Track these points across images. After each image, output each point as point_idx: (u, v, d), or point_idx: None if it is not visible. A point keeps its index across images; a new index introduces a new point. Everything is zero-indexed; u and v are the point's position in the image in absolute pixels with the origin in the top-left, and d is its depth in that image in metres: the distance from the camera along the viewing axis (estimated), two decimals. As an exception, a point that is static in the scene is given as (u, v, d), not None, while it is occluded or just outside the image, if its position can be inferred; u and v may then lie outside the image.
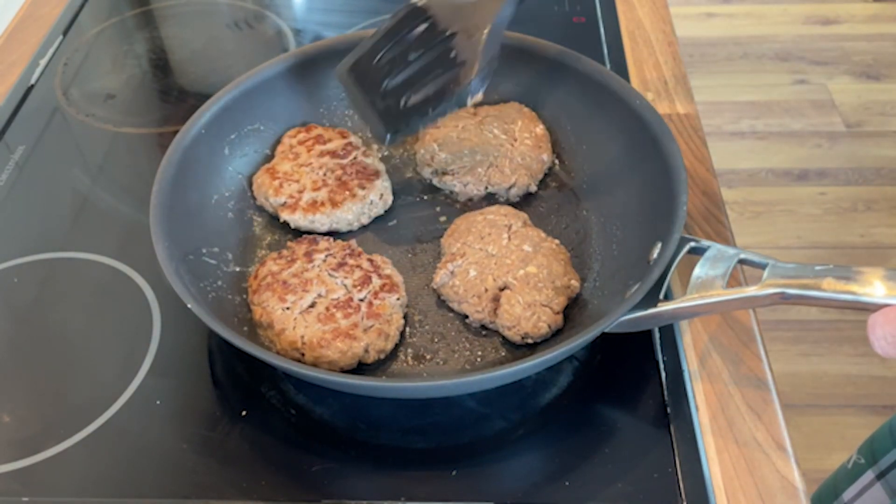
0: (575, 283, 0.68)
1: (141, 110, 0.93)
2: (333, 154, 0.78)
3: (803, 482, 0.57)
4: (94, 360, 0.68)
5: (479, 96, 0.69)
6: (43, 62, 0.98)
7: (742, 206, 2.02)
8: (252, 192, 0.77)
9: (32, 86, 0.95)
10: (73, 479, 0.60)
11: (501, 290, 0.67)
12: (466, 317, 0.68)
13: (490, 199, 0.79)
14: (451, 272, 0.69)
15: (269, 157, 0.80)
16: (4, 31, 1.04)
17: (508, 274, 0.67)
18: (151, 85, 0.98)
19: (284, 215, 0.74)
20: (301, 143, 0.79)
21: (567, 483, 0.58)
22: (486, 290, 0.67)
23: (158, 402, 0.64)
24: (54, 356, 0.68)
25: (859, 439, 0.92)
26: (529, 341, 0.65)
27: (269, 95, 0.81)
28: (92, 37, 1.04)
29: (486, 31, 0.68)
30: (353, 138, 0.81)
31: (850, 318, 1.75)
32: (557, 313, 0.66)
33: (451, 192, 0.79)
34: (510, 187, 0.78)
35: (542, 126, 0.81)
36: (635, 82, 0.91)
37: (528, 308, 0.65)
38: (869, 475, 0.85)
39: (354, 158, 0.78)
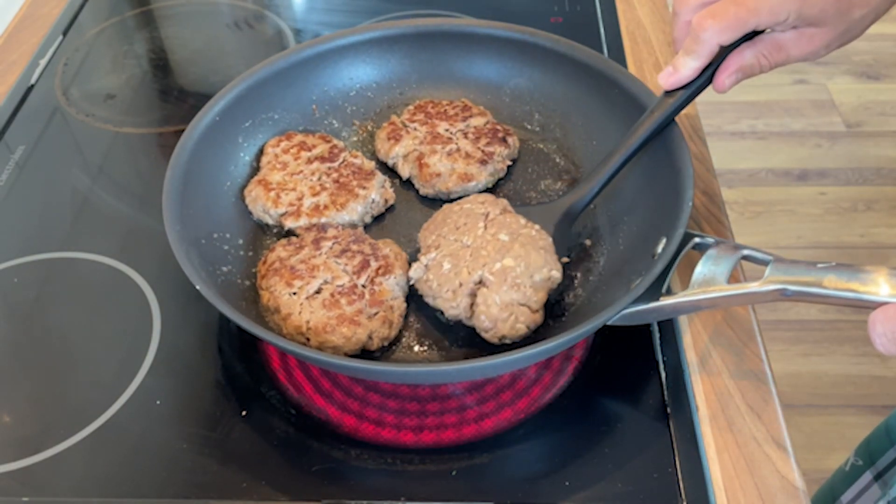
0: (556, 273, 0.65)
1: (141, 110, 0.93)
2: (322, 159, 0.78)
3: (803, 482, 0.57)
4: (94, 360, 0.68)
5: None
6: (43, 62, 0.98)
7: (742, 206, 2.02)
8: (246, 205, 0.76)
9: (32, 86, 0.95)
10: (73, 479, 0.60)
11: (478, 284, 0.64)
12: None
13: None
14: (425, 266, 0.66)
15: (256, 169, 0.79)
16: (4, 31, 1.04)
17: (484, 267, 0.64)
18: (151, 85, 0.98)
19: (289, 223, 0.73)
20: (285, 151, 0.78)
21: (567, 483, 0.58)
22: (461, 284, 0.64)
23: (158, 402, 0.64)
24: (54, 356, 0.68)
25: (859, 439, 0.91)
26: (507, 342, 0.64)
27: (285, 84, 0.81)
28: (92, 37, 1.04)
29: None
30: (336, 141, 0.81)
31: (850, 318, 1.76)
32: (536, 311, 0.64)
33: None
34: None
35: None
36: (635, 82, 0.91)
37: (505, 309, 0.63)
38: (867, 476, 0.85)
39: (344, 160, 0.78)
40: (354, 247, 0.69)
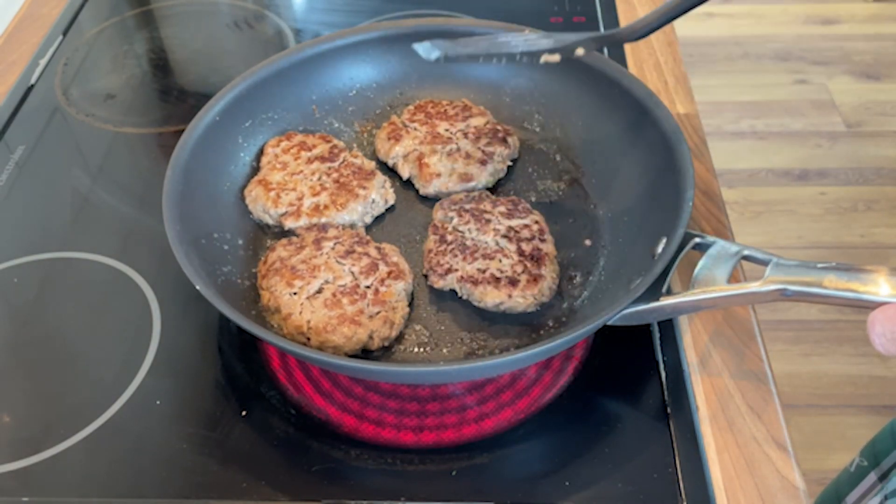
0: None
1: (141, 110, 0.93)
2: (322, 159, 0.78)
3: (803, 482, 0.57)
4: (94, 360, 0.68)
5: (554, 58, 0.71)
6: (43, 62, 0.98)
7: (742, 206, 2.02)
8: (246, 205, 0.76)
9: (32, 86, 0.95)
10: (73, 479, 0.60)
11: None
12: (471, 305, 0.68)
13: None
14: None
15: (256, 169, 0.79)
16: (4, 31, 1.04)
17: None
18: (151, 85, 0.98)
19: (289, 223, 0.74)
20: (285, 151, 0.78)
21: (567, 483, 0.58)
22: None
23: (158, 402, 0.64)
24: (54, 356, 0.68)
25: (860, 439, 0.91)
26: None
27: (285, 84, 0.81)
28: (92, 37, 1.04)
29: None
30: (336, 141, 0.81)
31: (850, 318, 1.76)
32: None
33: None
34: None
35: None
36: (635, 82, 0.91)
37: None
38: (871, 477, 0.85)
39: (344, 160, 0.78)
40: (359, 248, 0.69)
